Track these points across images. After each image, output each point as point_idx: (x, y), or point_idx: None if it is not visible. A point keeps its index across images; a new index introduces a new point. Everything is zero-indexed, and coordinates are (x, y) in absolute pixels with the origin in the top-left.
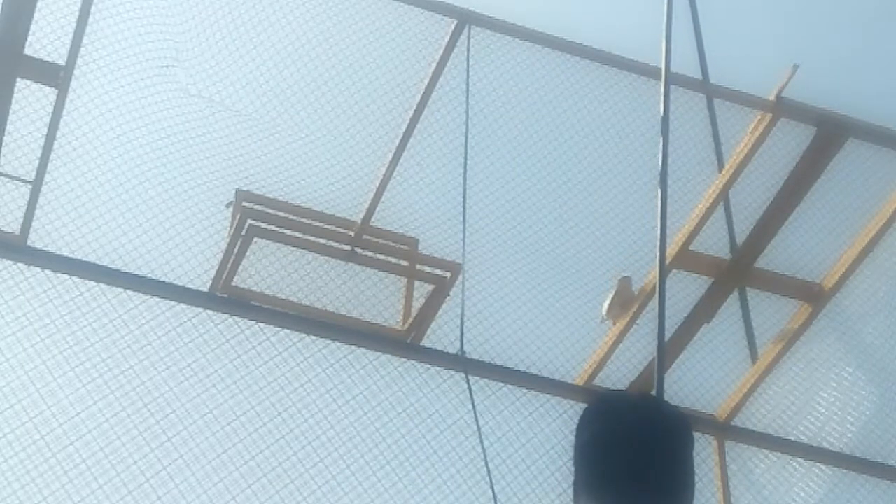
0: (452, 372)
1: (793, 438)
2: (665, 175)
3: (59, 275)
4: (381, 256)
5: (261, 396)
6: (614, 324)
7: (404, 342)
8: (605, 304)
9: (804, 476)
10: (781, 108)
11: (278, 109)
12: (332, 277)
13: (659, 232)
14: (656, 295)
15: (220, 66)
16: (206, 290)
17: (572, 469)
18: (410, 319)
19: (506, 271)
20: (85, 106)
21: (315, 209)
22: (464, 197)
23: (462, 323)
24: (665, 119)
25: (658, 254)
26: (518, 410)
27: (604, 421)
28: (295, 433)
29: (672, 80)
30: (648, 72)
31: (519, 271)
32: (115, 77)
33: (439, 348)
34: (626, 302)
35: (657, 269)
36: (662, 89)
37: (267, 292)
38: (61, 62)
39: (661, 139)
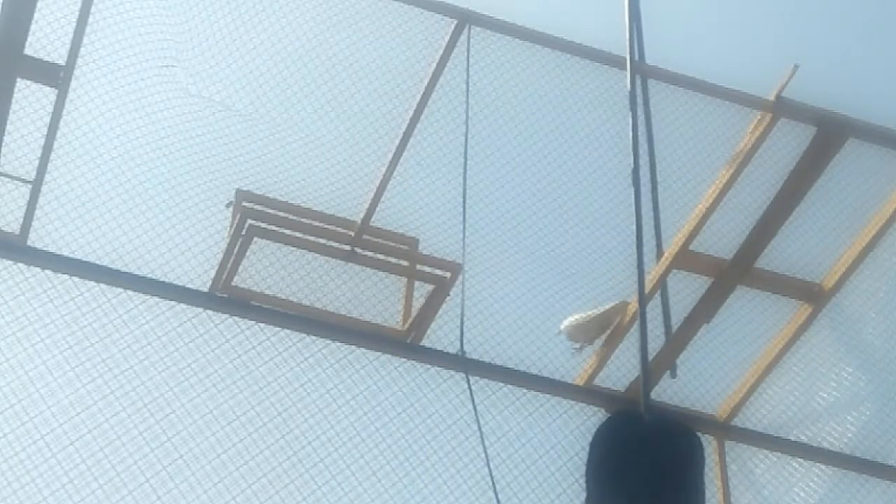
0: (452, 372)
1: (793, 438)
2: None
3: (59, 275)
4: (381, 256)
5: (261, 396)
6: (575, 343)
7: (404, 342)
8: (578, 318)
9: (804, 476)
10: (781, 108)
11: (278, 109)
12: (332, 277)
13: (636, 249)
14: (658, 296)
15: (220, 66)
16: (206, 290)
17: (585, 483)
18: (410, 319)
19: (506, 271)
20: (85, 106)
21: (315, 209)
22: (464, 197)
23: (462, 323)
24: (633, 109)
25: (637, 280)
26: (518, 410)
27: (619, 437)
28: (295, 433)
29: (665, 78)
30: (650, 72)
31: (519, 271)
32: (115, 77)
33: (439, 348)
34: (605, 327)
35: (637, 294)
36: (629, 82)
37: (267, 292)
38: (61, 62)
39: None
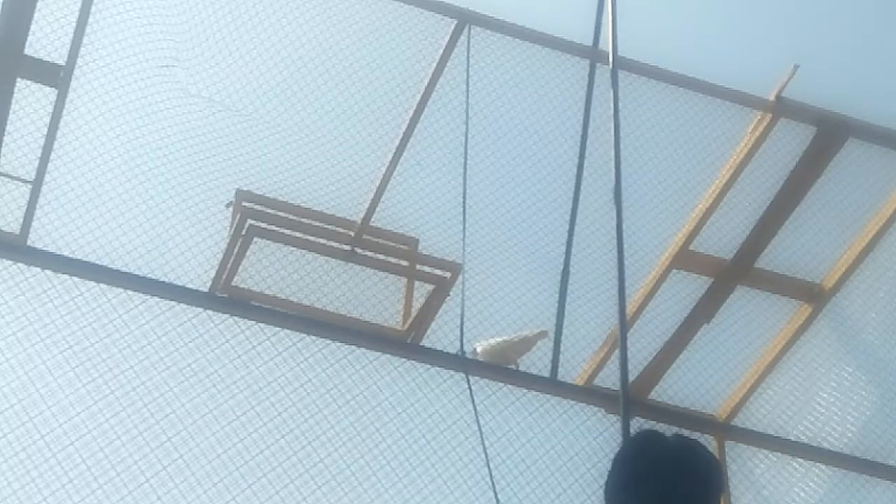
0: (452, 372)
1: (793, 438)
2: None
3: (59, 275)
4: (381, 256)
5: (261, 396)
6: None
7: (404, 342)
8: (494, 343)
9: (804, 476)
10: (781, 108)
11: (278, 109)
12: (332, 277)
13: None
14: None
15: (220, 66)
16: (206, 290)
17: (605, 500)
18: (410, 319)
19: (506, 271)
20: (85, 106)
21: (315, 209)
22: (464, 197)
23: (462, 323)
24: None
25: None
26: (518, 410)
27: (641, 459)
28: (295, 433)
29: (665, 78)
30: (648, 71)
31: (519, 271)
32: (115, 77)
33: (439, 348)
34: (522, 351)
35: (618, 320)
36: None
37: (267, 292)
38: (61, 62)
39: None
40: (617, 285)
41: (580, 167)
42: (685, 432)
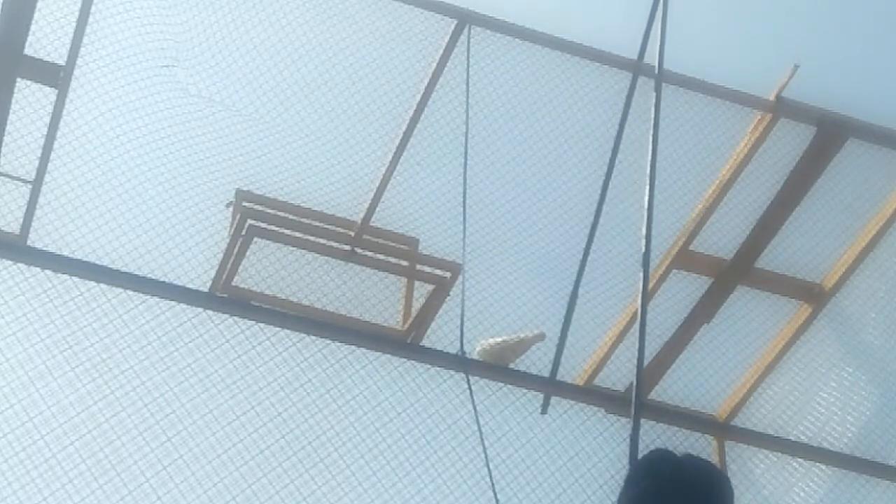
0: (452, 372)
1: (793, 438)
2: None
3: (59, 275)
4: (381, 256)
5: (261, 396)
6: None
7: (404, 342)
8: (493, 342)
9: (804, 476)
10: (781, 108)
11: (278, 109)
12: (332, 277)
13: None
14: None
15: (220, 66)
16: (206, 290)
17: None
18: (410, 319)
19: (506, 271)
20: (85, 106)
21: (315, 209)
22: (464, 197)
23: (462, 323)
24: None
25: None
26: (518, 410)
27: (654, 477)
28: (295, 433)
29: (665, 78)
30: (647, 71)
31: (519, 271)
32: (115, 77)
33: (439, 348)
34: (519, 352)
35: (639, 300)
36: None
37: (267, 292)
38: (61, 62)
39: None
40: (639, 298)
41: (607, 177)
42: (685, 432)
